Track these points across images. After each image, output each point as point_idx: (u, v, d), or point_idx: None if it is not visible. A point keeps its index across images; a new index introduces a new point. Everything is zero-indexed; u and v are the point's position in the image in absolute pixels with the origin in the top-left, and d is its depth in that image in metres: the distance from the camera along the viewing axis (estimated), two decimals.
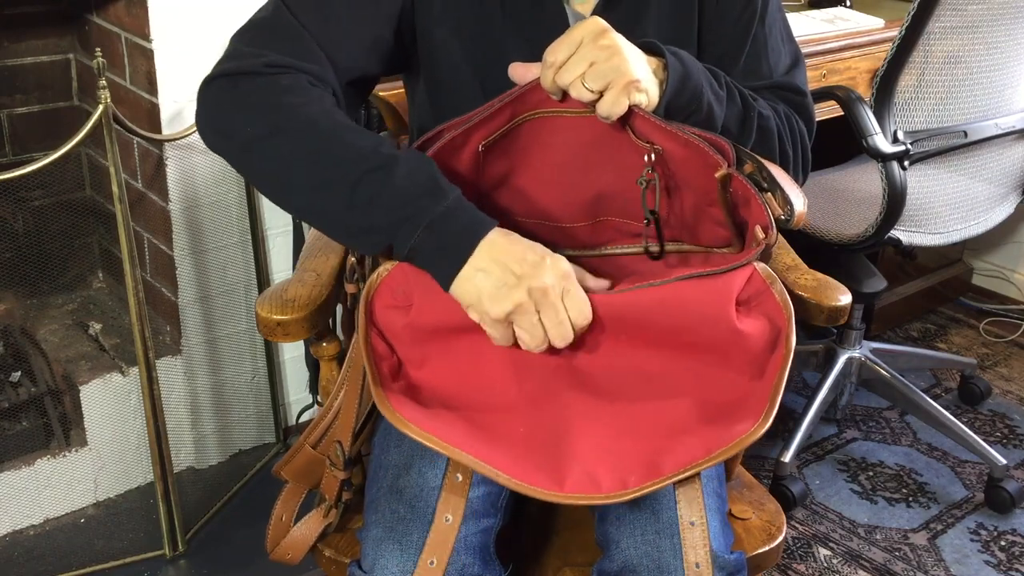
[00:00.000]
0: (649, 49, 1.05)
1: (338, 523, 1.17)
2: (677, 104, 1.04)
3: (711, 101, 1.08)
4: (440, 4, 1.14)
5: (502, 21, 1.14)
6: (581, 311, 0.96)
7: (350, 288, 1.07)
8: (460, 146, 1.03)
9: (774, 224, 0.98)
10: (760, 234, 0.98)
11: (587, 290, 0.97)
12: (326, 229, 1.03)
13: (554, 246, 1.00)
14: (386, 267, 0.99)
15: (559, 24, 1.15)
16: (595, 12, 1.14)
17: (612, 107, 0.99)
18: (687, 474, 0.97)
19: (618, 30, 1.13)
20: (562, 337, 0.96)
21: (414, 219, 0.95)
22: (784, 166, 1.16)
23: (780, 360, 0.97)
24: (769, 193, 1.01)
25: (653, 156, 1.03)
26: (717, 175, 1.01)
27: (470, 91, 1.16)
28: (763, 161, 1.03)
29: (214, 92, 1.05)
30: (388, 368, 0.99)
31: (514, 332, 0.97)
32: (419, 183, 0.97)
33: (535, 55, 1.13)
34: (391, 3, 1.14)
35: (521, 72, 1.03)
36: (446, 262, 0.96)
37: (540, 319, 0.95)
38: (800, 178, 1.21)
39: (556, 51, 0.99)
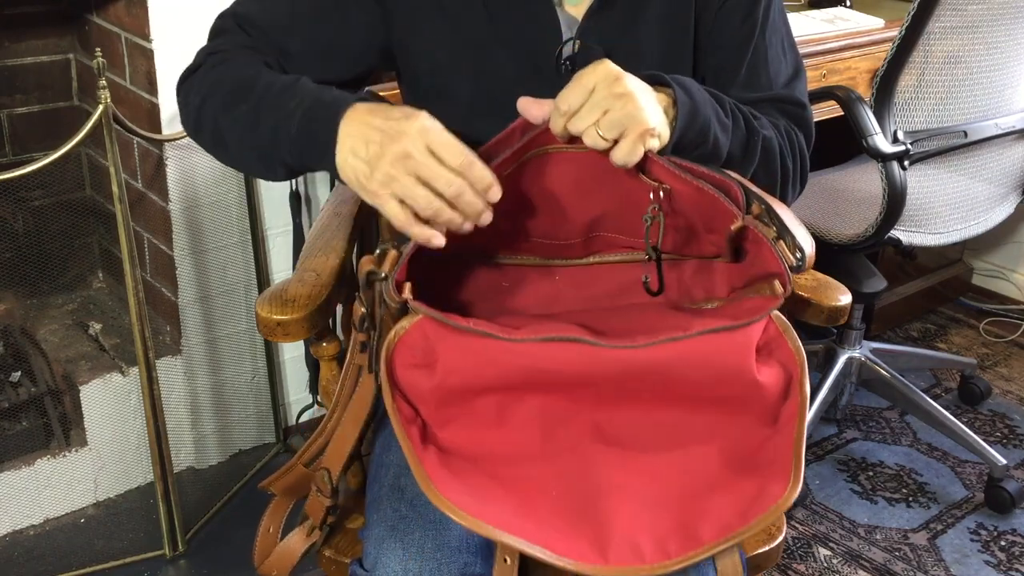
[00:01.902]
0: (655, 80, 1.03)
1: (338, 523, 1.17)
2: (686, 140, 1.03)
3: (717, 133, 1.07)
4: (419, 13, 1.14)
5: (489, 27, 1.14)
6: (453, 155, 0.93)
7: (360, 336, 1.03)
8: None
9: (790, 275, 0.98)
10: (779, 288, 0.98)
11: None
12: (247, 167, 1.14)
13: (540, 257, 0.99)
14: (403, 325, 0.97)
15: (550, 28, 1.14)
16: (589, 13, 1.14)
17: (628, 156, 0.97)
18: (727, 545, 0.97)
19: (612, 33, 1.13)
20: (444, 184, 0.93)
21: (286, 124, 1.01)
22: (784, 180, 1.16)
23: (796, 410, 0.98)
24: (781, 241, 0.99)
25: (661, 194, 1.01)
26: (732, 227, 0.99)
27: (457, 99, 1.16)
28: (770, 201, 1.01)
29: (179, 95, 1.17)
30: (418, 433, 0.98)
31: (403, 205, 0.95)
32: (289, 96, 1.02)
33: (525, 60, 1.13)
34: (360, 14, 1.15)
35: (532, 110, 0.99)
36: (317, 151, 0.99)
37: (419, 181, 0.93)
38: (799, 189, 1.21)
39: (568, 98, 0.96)
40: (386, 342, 0.96)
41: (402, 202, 0.95)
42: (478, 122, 1.16)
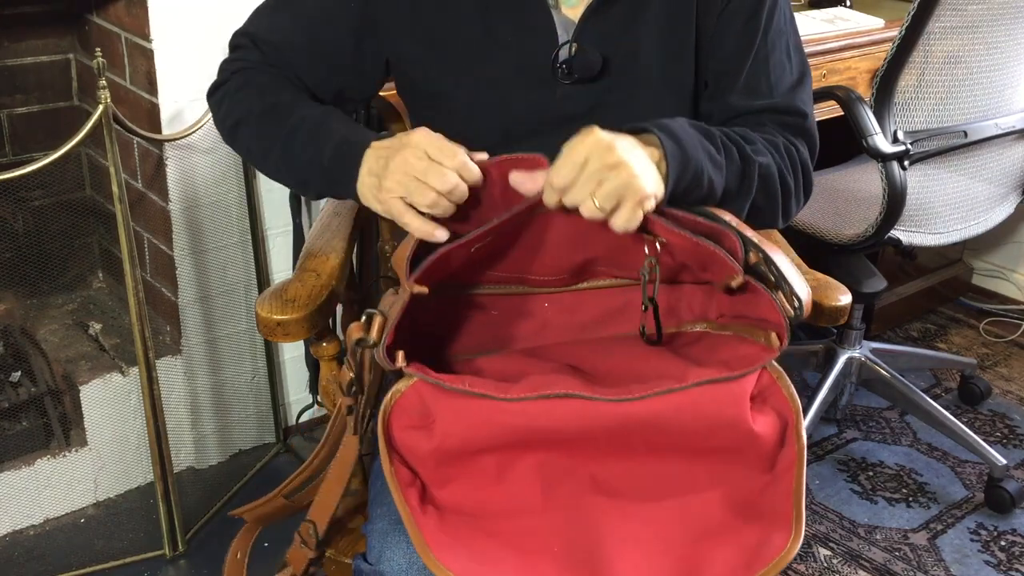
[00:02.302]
0: (639, 130, 1.02)
1: (339, 523, 1.18)
2: (680, 189, 1.02)
3: (711, 174, 1.05)
4: (407, 18, 1.15)
5: (484, 32, 1.14)
6: (447, 156, 0.99)
7: (346, 401, 1.04)
8: (454, 256, 1.01)
9: (788, 327, 0.97)
10: (775, 341, 0.98)
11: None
12: (289, 183, 1.23)
13: (529, 287, 1.03)
14: (399, 388, 0.97)
15: (546, 31, 1.13)
16: (586, 16, 1.13)
17: (628, 224, 0.96)
18: None
19: (610, 35, 1.13)
20: (439, 181, 0.98)
21: (318, 158, 1.11)
22: (786, 198, 1.15)
23: (794, 457, 0.98)
24: (779, 291, 0.98)
25: (658, 247, 1.00)
26: (733, 283, 0.99)
27: (454, 104, 1.17)
28: (767, 250, 0.99)
29: (211, 105, 1.25)
30: (416, 496, 0.98)
31: (407, 203, 1.00)
32: (321, 132, 1.12)
33: (521, 64, 1.13)
34: (347, 28, 1.18)
35: (526, 185, 0.99)
36: (343, 182, 1.08)
37: (419, 180, 0.99)
38: (803, 201, 1.19)
39: (561, 173, 0.95)
40: (383, 405, 0.97)
41: (406, 201, 1.01)
42: (476, 126, 1.16)
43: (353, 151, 1.08)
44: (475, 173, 1.00)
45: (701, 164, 1.04)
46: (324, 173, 1.11)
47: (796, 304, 0.97)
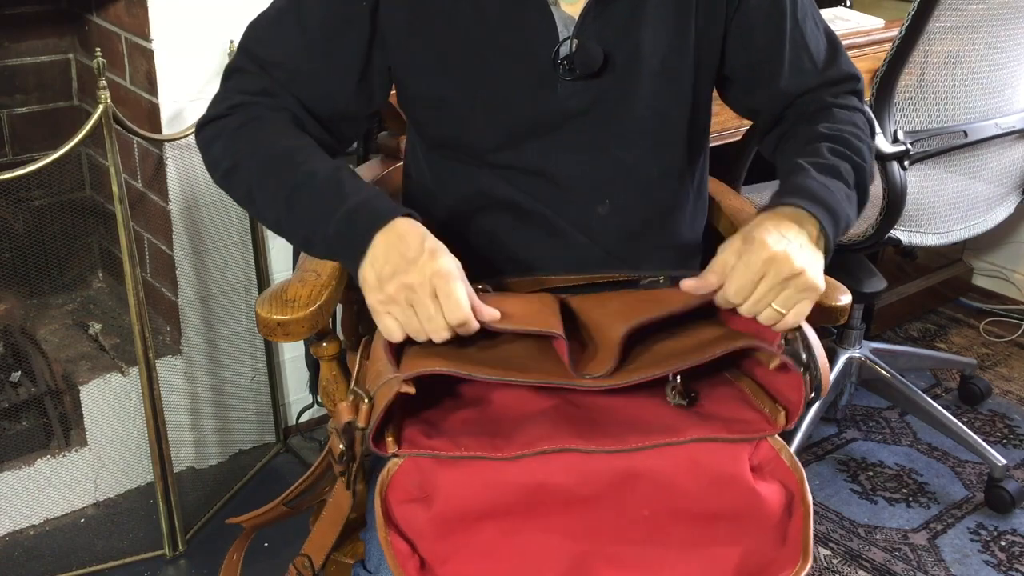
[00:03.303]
0: (789, 203, 1.06)
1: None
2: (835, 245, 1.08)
3: (850, 217, 1.11)
4: (408, 27, 1.14)
5: (483, 30, 1.13)
6: (452, 311, 0.96)
7: (338, 468, 1.04)
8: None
9: (801, 407, 0.99)
10: (781, 420, 0.99)
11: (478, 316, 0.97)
12: (285, 238, 1.15)
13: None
14: (396, 461, 0.97)
15: (546, 27, 1.13)
16: (586, 12, 1.13)
17: (798, 319, 1.00)
18: None
19: (611, 32, 1.12)
20: (434, 331, 0.97)
21: (323, 224, 1.04)
22: (870, 159, 1.19)
23: (801, 519, 0.98)
24: (807, 373, 1.00)
25: (679, 378, 1.01)
26: (771, 366, 0.99)
27: (453, 104, 1.16)
28: (806, 330, 1.02)
29: (200, 139, 1.17)
30: (415, 569, 0.97)
31: (395, 321, 0.98)
32: (330, 193, 1.05)
33: (522, 62, 1.12)
34: (356, 35, 1.15)
35: (699, 289, 1.02)
36: (347, 257, 1.03)
37: (414, 312, 0.97)
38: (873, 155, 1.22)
39: (739, 293, 0.99)
40: (379, 480, 0.96)
41: (399, 322, 0.99)
42: (478, 128, 1.16)
43: (365, 225, 1.02)
44: (473, 329, 0.98)
45: (847, 215, 1.09)
46: (326, 243, 1.06)
47: (813, 396, 0.99)
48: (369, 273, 1.00)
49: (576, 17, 1.13)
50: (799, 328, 1.01)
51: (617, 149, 1.17)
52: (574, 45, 1.13)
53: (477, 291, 0.99)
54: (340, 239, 1.04)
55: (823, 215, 1.06)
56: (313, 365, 2.12)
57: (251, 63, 1.16)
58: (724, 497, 0.97)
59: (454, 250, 1.01)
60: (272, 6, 1.18)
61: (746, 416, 1.00)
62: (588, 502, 0.96)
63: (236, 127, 1.13)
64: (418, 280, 0.97)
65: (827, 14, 2.19)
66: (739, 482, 0.96)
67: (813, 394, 0.99)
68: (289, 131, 1.13)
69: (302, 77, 1.15)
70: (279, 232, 1.13)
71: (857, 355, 2.24)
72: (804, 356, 0.99)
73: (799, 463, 0.99)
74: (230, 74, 1.18)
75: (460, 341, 0.99)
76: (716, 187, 1.39)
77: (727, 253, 1.01)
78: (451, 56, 1.14)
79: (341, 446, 1.00)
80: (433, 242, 1.00)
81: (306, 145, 1.12)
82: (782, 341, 1.00)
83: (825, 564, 1.93)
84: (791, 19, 1.20)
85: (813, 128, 1.18)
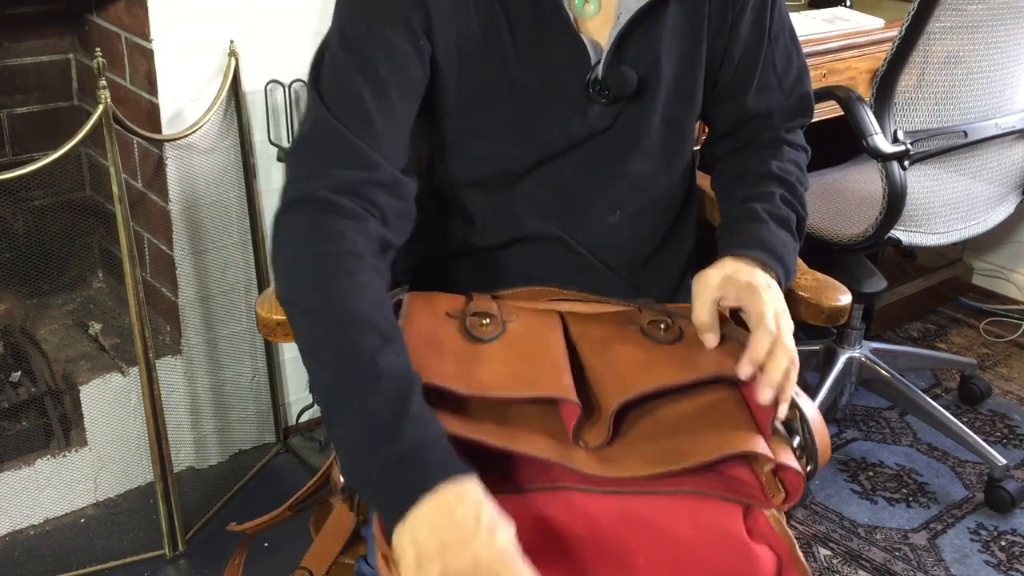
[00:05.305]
0: (757, 256, 1.10)
1: None
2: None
3: (793, 267, 1.16)
4: (450, 48, 1.10)
5: (516, 59, 1.11)
6: None
7: (340, 496, 1.03)
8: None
9: (799, 481, 0.99)
10: (780, 498, 0.99)
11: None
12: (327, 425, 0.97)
13: None
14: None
15: (577, 54, 1.12)
16: (619, 39, 1.11)
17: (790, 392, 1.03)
18: None
19: (635, 52, 1.13)
20: None
21: (372, 458, 0.87)
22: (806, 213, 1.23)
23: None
24: (804, 455, 1.02)
25: None
26: (766, 468, 1.00)
27: (485, 131, 1.14)
28: (803, 406, 1.03)
29: (279, 226, 1.03)
30: None
31: None
32: (391, 418, 0.88)
33: (556, 90, 1.12)
34: (415, 88, 1.09)
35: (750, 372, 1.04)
36: (383, 505, 0.87)
37: None
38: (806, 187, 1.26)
39: (779, 366, 1.01)
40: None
41: None
42: (509, 156, 1.15)
43: (416, 478, 0.85)
44: None
45: (793, 271, 1.15)
46: (366, 479, 0.88)
47: (813, 468, 1.02)
48: (407, 542, 0.83)
49: (599, 41, 1.12)
50: (799, 408, 1.03)
51: (632, 162, 1.18)
52: (605, 69, 1.12)
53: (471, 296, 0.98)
54: (381, 484, 0.87)
55: (782, 273, 1.11)
56: None
57: (330, 134, 1.04)
58: (718, 549, 0.97)
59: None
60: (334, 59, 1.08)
61: (744, 477, 1.00)
62: (584, 540, 0.95)
63: (312, 262, 0.98)
64: (468, 569, 0.81)
65: (827, 14, 2.20)
66: (731, 534, 0.97)
67: (813, 471, 1.01)
68: (367, 284, 0.97)
69: (374, 140, 1.05)
70: (319, 399, 0.96)
71: (857, 355, 2.24)
72: (804, 441, 1.02)
73: (789, 532, 0.99)
74: (307, 145, 1.05)
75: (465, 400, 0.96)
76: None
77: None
78: (486, 96, 1.12)
79: (343, 478, 0.96)
80: (491, 514, 0.84)
81: (379, 328, 0.94)
82: (778, 423, 1.01)
83: (825, 564, 1.93)
84: (768, 36, 1.21)
85: (765, 166, 1.22)
